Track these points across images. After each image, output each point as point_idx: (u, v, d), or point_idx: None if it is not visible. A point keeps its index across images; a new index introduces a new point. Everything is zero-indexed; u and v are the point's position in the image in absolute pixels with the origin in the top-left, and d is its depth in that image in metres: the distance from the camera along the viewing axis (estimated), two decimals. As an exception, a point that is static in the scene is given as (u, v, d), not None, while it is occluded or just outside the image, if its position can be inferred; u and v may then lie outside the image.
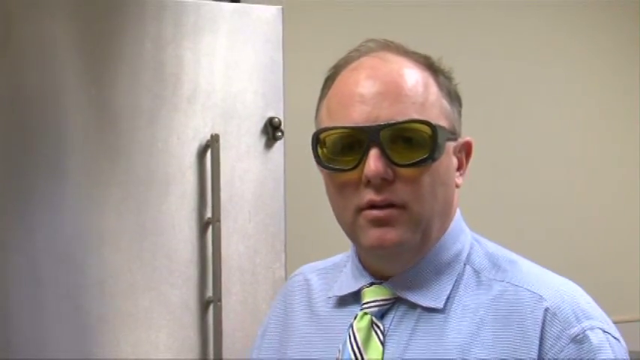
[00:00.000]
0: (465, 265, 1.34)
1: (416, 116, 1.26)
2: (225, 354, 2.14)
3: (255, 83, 2.21)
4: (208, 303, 2.13)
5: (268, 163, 2.22)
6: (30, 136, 2.01)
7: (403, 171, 1.25)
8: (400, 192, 1.26)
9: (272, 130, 2.20)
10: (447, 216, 1.35)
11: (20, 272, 1.99)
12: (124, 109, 2.08)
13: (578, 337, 1.21)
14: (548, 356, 1.22)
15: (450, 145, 1.31)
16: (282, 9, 2.24)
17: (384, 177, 1.23)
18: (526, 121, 3.24)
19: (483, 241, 1.39)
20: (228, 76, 2.18)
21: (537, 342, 1.22)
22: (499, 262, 1.34)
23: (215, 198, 2.13)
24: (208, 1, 2.26)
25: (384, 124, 1.25)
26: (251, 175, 2.20)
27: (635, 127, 3.48)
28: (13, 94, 1.98)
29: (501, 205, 3.15)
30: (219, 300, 2.13)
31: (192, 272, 2.14)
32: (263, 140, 2.21)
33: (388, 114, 1.25)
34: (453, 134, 1.32)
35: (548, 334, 1.23)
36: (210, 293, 2.14)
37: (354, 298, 1.37)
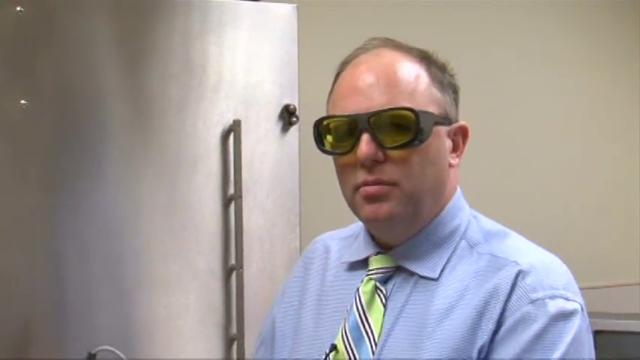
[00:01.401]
0: (461, 239, 1.40)
1: (404, 104, 1.33)
2: (246, 315, 2.19)
3: (273, 74, 2.25)
4: (231, 270, 2.20)
5: (284, 146, 2.27)
6: (75, 122, 2.06)
7: (392, 153, 1.32)
8: (390, 171, 1.33)
9: (288, 116, 2.25)
10: (440, 193, 1.40)
11: (69, 242, 2.05)
12: (156, 97, 2.13)
13: (537, 302, 1.28)
14: (508, 311, 1.28)
15: (442, 129, 1.37)
16: (297, 7, 2.28)
17: (374, 158, 1.32)
18: (525, 108, 3.25)
19: (481, 217, 1.45)
20: (249, 68, 2.23)
21: (505, 298, 1.29)
22: (491, 238, 1.40)
23: (237, 177, 2.18)
24: (231, 0, 2.29)
25: (373, 112, 1.32)
26: (269, 156, 2.25)
27: (630, 111, 3.42)
28: (59, 86, 2.05)
29: (505, 186, 3.13)
30: (241, 267, 2.19)
31: (217, 242, 2.20)
32: (280, 125, 2.26)
33: (378, 103, 1.33)
34: (445, 119, 1.38)
35: (515, 294, 1.29)
36: (233, 261, 2.20)
37: (363, 264, 1.44)
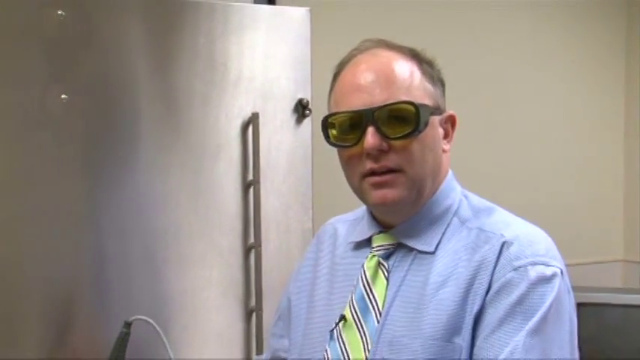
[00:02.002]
0: (453, 216, 1.44)
1: (403, 98, 1.37)
2: (264, 289, 2.23)
3: (288, 71, 2.27)
4: (250, 248, 2.23)
5: (298, 136, 2.29)
6: (111, 115, 2.09)
7: (395, 143, 1.36)
8: (395, 159, 1.38)
9: (301, 109, 2.27)
10: (437, 176, 1.45)
11: (106, 223, 2.08)
12: (183, 92, 2.15)
13: (519, 269, 1.31)
14: (494, 278, 1.32)
15: (435, 119, 1.41)
16: (310, 10, 2.29)
17: (379, 149, 1.36)
18: (518, 100, 3.23)
19: (471, 196, 1.50)
20: (266, 65, 2.24)
21: (492, 267, 1.33)
22: (479, 213, 1.44)
23: (255, 164, 2.21)
24: (250, 4, 2.34)
25: (377, 107, 1.36)
26: (284, 145, 2.27)
27: (616, 96, 3.42)
28: (96, 82, 2.06)
29: (498, 170, 3.13)
30: (259, 246, 2.22)
31: (237, 223, 2.23)
32: (294, 117, 2.28)
33: (380, 98, 1.37)
34: (437, 110, 1.42)
35: (500, 261, 1.32)
36: (252, 240, 2.22)
37: (367, 243, 1.50)
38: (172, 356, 1.86)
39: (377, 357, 1.37)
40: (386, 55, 1.42)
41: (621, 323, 2.64)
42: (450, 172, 1.50)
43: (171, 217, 2.17)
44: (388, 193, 1.39)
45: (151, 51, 2.14)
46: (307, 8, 2.29)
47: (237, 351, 2.22)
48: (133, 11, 2.11)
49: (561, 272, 1.34)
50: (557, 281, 1.32)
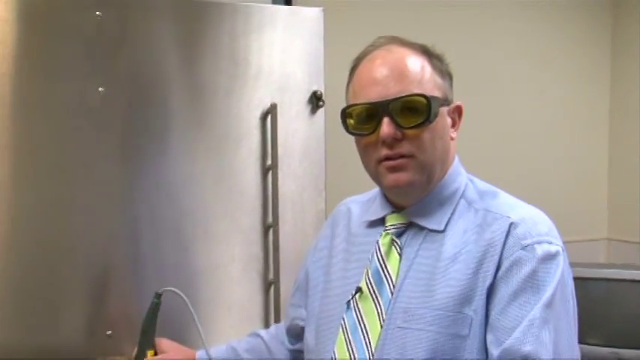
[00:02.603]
0: (460, 198, 1.47)
1: (415, 91, 1.40)
2: (281, 264, 2.25)
3: (303, 65, 2.28)
4: (269, 227, 2.24)
5: (312, 125, 2.30)
6: (143, 106, 2.10)
7: (408, 132, 1.40)
8: (407, 146, 1.41)
9: (315, 100, 2.28)
10: (445, 162, 1.47)
11: (139, 203, 2.10)
12: (208, 85, 2.16)
13: (527, 247, 1.34)
14: (504, 257, 1.34)
15: (444, 109, 1.44)
16: (323, 10, 2.29)
17: (394, 137, 1.40)
18: (512, 92, 3.28)
19: (476, 180, 1.53)
20: (283, 61, 2.25)
21: (501, 246, 1.35)
22: (485, 196, 1.47)
23: (273, 150, 2.23)
24: (269, 5, 2.34)
25: (392, 99, 1.39)
26: (300, 133, 2.28)
27: (601, 82, 3.47)
28: (130, 76, 2.08)
29: (491, 151, 3.17)
30: (277, 225, 2.24)
31: (257, 204, 2.24)
32: (309, 108, 2.29)
33: (394, 91, 1.40)
34: (446, 101, 1.45)
35: (508, 242, 1.35)
36: (270, 220, 2.25)
37: (380, 222, 1.54)
38: (199, 324, 1.85)
39: (391, 325, 1.40)
40: (399, 50, 1.44)
41: (605, 296, 2.67)
42: (457, 157, 1.52)
43: (197, 199, 2.18)
44: (401, 177, 1.42)
45: (180, 48, 2.15)
46: (320, 8, 2.30)
47: (257, 320, 2.23)
48: (163, 13, 2.12)
49: (562, 250, 1.37)
50: (560, 258, 1.35)
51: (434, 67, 1.45)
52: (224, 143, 2.21)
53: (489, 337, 1.32)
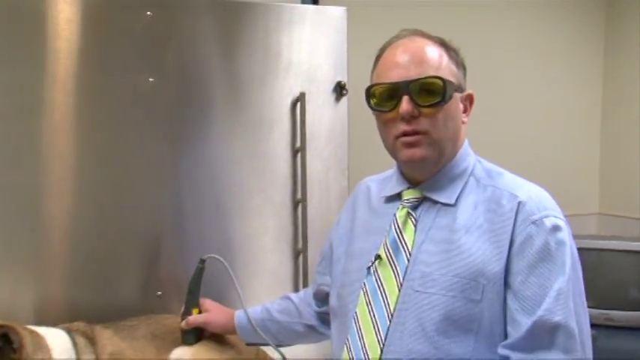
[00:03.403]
0: (469, 176, 1.49)
1: (433, 74, 1.42)
2: (308, 235, 2.27)
3: (328, 58, 2.29)
4: (298, 202, 2.27)
5: (337, 112, 2.31)
6: (188, 94, 2.12)
7: (425, 110, 1.42)
8: (423, 124, 1.43)
9: (339, 90, 2.30)
10: (455, 142, 1.49)
11: (185, 180, 2.13)
12: (244, 75, 2.18)
13: (537, 221, 1.35)
14: (516, 232, 1.36)
15: (457, 95, 1.46)
16: (347, 9, 2.30)
17: (411, 114, 1.41)
18: (512, 83, 3.27)
19: (483, 161, 1.54)
20: (311, 54, 2.27)
21: (512, 223, 1.36)
22: (492, 174, 1.49)
23: (302, 134, 2.24)
24: (298, 5, 2.33)
25: (411, 80, 1.41)
26: (325, 119, 2.30)
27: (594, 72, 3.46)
28: (176, 67, 2.10)
29: (496, 132, 3.15)
30: (305, 200, 2.26)
31: (287, 182, 2.26)
32: (333, 96, 2.30)
33: (414, 73, 1.42)
34: (459, 87, 1.47)
35: (519, 219, 1.36)
36: (299, 196, 2.27)
37: (397, 197, 1.55)
38: (238, 287, 1.89)
39: (408, 289, 1.41)
40: (420, 40, 1.47)
41: (596, 264, 2.68)
42: (466, 141, 1.54)
43: (235, 177, 2.19)
44: (416, 152, 1.44)
45: (219, 43, 2.15)
46: (344, 8, 2.31)
47: (288, 284, 2.26)
48: (205, 12, 2.13)
49: (565, 224, 1.39)
50: (566, 231, 1.37)
51: (450, 57, 1.47)
52: (258, 127, 2.22)
53: (514, 305, 1.34)
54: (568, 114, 3.39)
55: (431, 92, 1.43)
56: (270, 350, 1.93)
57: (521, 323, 1.32)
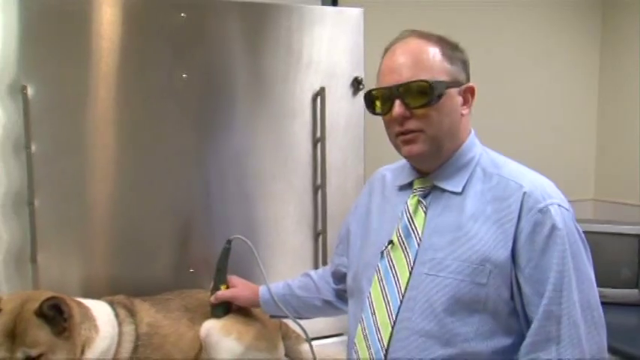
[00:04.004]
0: (476, 166, 1.47)
1: (423, 76, 1.39)
2: (327, 218, 2.28)
3: (346, 55, 2.29)
4: (318, 188, 2.28)
5: (354, 105, 2.31)
6: (218, 88, 2.12)
7: (416, 111, 1.41)
8: (415, 123, 1.42)
9: (356, 85, 2.30)
10: (455, 135, 1.45)
11: (212, 167, 2.14)
12: (268, 72, 2.19)
13: (543, 209, 1.34)
14: (523, 221, 1.34)
15: (452, 90, 1.42)
16: (363, 10, 2.30)
17: (403, 116, 1.41)
18: (513, 78, 3.21)
19: (489, 151, 1.52)
20: (330, 51, 2.27)
21: (517, 212, 1.35)
22: (498, 164, 1.46)
23: (322, 125, 2.25)
24: (318, 6, 2.33)
25: (401, 84, 1.41)
26: (343, 111, 2.30)
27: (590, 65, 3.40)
28: (207, 64, 2.11)
29: (497, 121, 3.03)
30: (324, 186, 2.27)
31: (308, 169, 2.27)
32: (351, 90, 2.30)
33: (406, 77, 1.41)
34: (455, 82, 1.42)
35: (525, 208, 1.35)
36: (319, 182, 2.28)
37: (409, 186, 1.55)
38: (262, 265, 1.91)
39: (418, 272, 1.42)
40: (415, 42, 1.44)
41: (591, 246, 2.62)
42: (472, 131, 1.51)
43: (259, 164, 2.20)
44: (413, 148, 1.44)
45: (246, 42, 2.15)
46: (361, 9, 2.30)
47: (308, 263, 2.27)
48: (234, 13, 2.13)
49: (569, 209, 1.38)
50: (571, 216, 1.36)
51: (444, 54, 1.43)
52: (281, 119, 2.22)
53: (528, 290, 1.33)
54: (565, 103, 3.36)
55: (421, 93, 1.41)
56: (291, 323, 1.95)
57: (537, 305, 1.32)
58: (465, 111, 1.46)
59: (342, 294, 1.82)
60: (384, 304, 1.45)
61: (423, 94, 1.41)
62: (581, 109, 3.39)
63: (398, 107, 1.42)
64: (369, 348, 1.46)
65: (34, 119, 1.93)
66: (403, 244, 1.46)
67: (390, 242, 1.49)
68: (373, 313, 1.47)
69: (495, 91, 3.12)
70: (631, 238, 2.83)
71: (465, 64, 1.47)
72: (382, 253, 1.50)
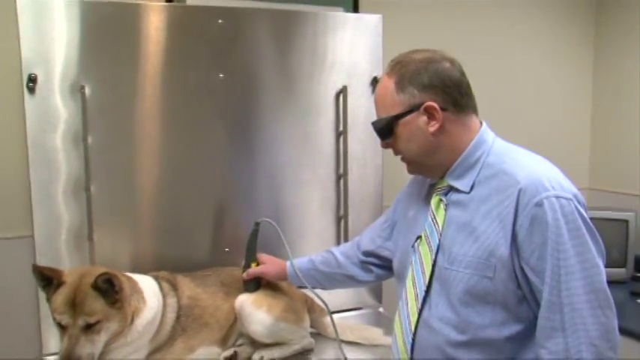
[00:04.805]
0: (483, 163, 1.43)
1: (381, 115, 1.45)
2: (349, 203, 2.30)
3: (366, 57, 2.29)
4: (340, 176, 2.30)
5: (373, 102, 1.95)
6: (251, 88, 2.14)
7: (389, 143, 1.47)
8: (394, 151, 1.49)
9: (375, 83, 2.28)
10: (439, 148, 1.43)
11: (245, 157, 2.16)
12: (296, 72, 2.20)
13: (538, 203, 1.29)
14: (521, 217, 1.31)
15: (408, 117, 1.40)
16: (382, 16, 2.30)
17: (386, 147, 1.49)
18: (513, 74, 3.15)
19: (500, 142, 1.46)
20: (352, 53, 2.28)
21: (514, 208, 1.32)
22: (504, 158, 1.41)
23: (344, 120, 2.27)
24: (341, 12, 2.34)
25: (372, 123, 1.49)
26: (363, 107, 2.30)
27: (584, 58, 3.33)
28: (242, 65, 2.12)
29: (498, 111, 2.89)
30: (346, 175, 2.29)
31: (331, 159, 2.27)
32: (370, 89, 2.31)
33: (376, 116, 1.49)
34: (412, 108, 1.40)
35: (521, 204, 1.31)
36: (341, 171, 2.28)
37: (436, 185, 1.52)
38: (286, 244, 1.93)
39: (439, 266, 1.43)
40: (383, 81, 1.46)
41: None
42: (482, 129, 1.45)
43: (287, 155, 2.22)
44: (407, 168, 1.52)
45: (276, 45, 2.17)
46: (380, 15, 2.31)
47: (330, 245, 2.18)
48: (265, 19, 2.15)
49: (572, 196, 1.31)
50: (567, 202, 1.30)
51: (397, 86, 1.41)
52: (307, 114, 2.24)
53: (535, 279, 1.31)
54: (560, 95, 3.29)
55: (378, 131, 1.47)
56: (315, 297, 1.97)
57: (542, 289, 1.31)
58: (432, 127, 1.40)
59: (367, 267, 1.83)
60: (414, 294, 1.48)
61: (381, 132, 1.46)
62: (575, 102, 3.34)
63: (380, 142, 1.50)
64: (402, 332, 1.50)
65: (90, 115, 1.97)
66: (428, 239, 1.47)
67: (419, 238, 1.50)
68: (406, 302, 1.50)
69: (488, 80, 3.02)
70: (620, 223, 2.92)
71: (424, 86, 1.40)
72: (413, 247, 1.52)
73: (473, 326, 1.36)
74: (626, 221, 2.91)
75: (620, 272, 2.90)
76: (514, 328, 1.35)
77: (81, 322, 1.68)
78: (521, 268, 1.32)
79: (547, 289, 1.28)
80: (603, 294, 1.29)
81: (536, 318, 1.33)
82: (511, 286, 1.33)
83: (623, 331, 2.26)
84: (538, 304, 1.32)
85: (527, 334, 1.35)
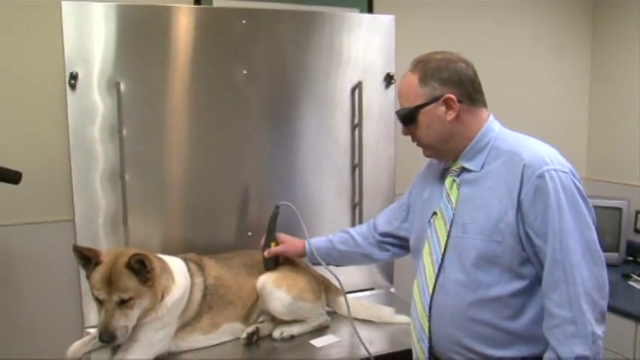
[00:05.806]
0: (492, 146, 1.49)
1: (404, 105, 1.52)
2: (363, 191, 2.28)
3: (380, 54, 2.29)
4: (355, 166, 2.30)
5: (386, 96, 2.31)
6: (272, 83, 2.14)
7: (410, 130, 1.54)
8: (414, 137, 1.55)
9: (388, 79, 2.30)
10: (455, 134, 1.50)
11: (266, 148, 2.16)
12: (314, 67, 2.20)
13: (540, 175, 1.37)
14: (526, 188, 1.38)
15: (429, 107, 1.48)
16: (395, 17, 2.30)
17: (407, 134, 1.56)
18: (513, 70, 3.09)
19: (506, 131, 1.53)
20: (367, 51, 2.27)
21: (519, 181, 1.39)
22: (510, 142, 1.48)
23: (359, 114, 2.26)
24: (357, 13, 2.36)
25: (396, 112, 1.56)
26: (377, 102, 2.30)
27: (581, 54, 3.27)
28: (264, 62, 2.12)
29: (500, 104, 2.94)
30: (361, 164, 2.28)
31: (347, 150, 2.28)
32: (384, 84, 2.30)
33: (399, 107, 1.55)
34: (433, 99, 1.48)
35: (525, 177, 1.38)
36: (356, 161, 2.29)
37: (448, 168, 1.57)
38: (304, 226, 1.93)
39: (453, 235, 1.49)
40: (406, 76, 1.53)
41: None
42: (489, 119, 1.52)
43: (306, 145, 2.22)
44: (423, 152, 1.58)
45: (296, 43, 2.16)
46: (393, 15, 2.30)
47: None
48: (286, 19, 2.15)
49: (569, 171, 1.38)
50: (566, 175, 1.37)
51: (420, 81, 1.49)
52: (325, 108, 2.24)
53: (539, 242, 1.37)
54: (558, 86, 3.22)
55: (403, 119, 1.53)
56: (331, 277, 1.95)
57: (545, 251, 1.37)
58: (450, 116, 1.49)
59: (383, 246, 1.88)
60: (430, 261, 1.53)
61: (404, 119, 1.53)
62: (573, 90, 3.29)
63: (403, 129, 1.56)
64: (421, 297, 1.55)
65: (125, 109, 1.99)
66: (443, 213, 1.52)
67: (434, 213, 1.55)
68: (424, 270, 1.55)
69: (487, 73, 2.95)
70: (614, 210, 2.94)
71: (444, 81, 1.48)
72: (429, 222, 1.57)
73: (483, 285, 1.43)
74: (619, 209, 2.93)
75: (613, 256, 2.90)
76: (517, 285, 1.42)
77: (116, 297, 1.70)
78: (526, 233, 1.39)
79: (550, 248, 1.35)
80: (597, 253, 1.38)
81: (537, 276, 1.41)
82: (517, 248, 1.40)
83: (615, 310, 2.35)
84: (540, 264, 1.39)
85: (529, 290, 1.42)
